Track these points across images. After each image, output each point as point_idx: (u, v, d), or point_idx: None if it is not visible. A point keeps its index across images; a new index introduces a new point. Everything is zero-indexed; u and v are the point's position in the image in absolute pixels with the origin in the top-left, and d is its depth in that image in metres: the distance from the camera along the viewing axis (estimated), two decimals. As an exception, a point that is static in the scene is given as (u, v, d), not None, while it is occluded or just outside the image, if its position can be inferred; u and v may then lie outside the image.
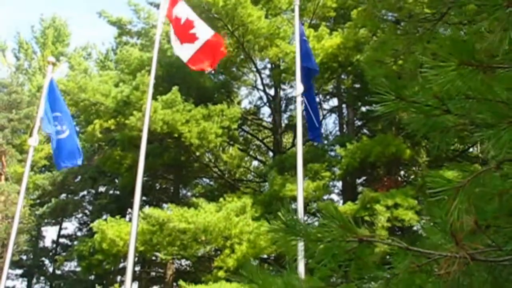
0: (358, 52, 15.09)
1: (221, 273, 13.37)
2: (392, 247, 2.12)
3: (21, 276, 26.66)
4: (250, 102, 26.84)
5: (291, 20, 15.85)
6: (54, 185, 24.04)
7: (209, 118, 16.12)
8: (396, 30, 7.92)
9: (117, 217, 15.72)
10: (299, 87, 9.48)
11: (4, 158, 21.90)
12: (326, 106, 21.71)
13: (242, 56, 17.97)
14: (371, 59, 8.34)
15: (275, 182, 14.96)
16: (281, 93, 20.57)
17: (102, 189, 25.60)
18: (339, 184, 18.97)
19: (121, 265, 19.51)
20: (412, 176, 17.99)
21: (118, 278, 21.86)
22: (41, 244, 27.37)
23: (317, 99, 17.68)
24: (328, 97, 21.16)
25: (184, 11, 10.80)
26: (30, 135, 14.01)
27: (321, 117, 16.42)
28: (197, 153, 17.37)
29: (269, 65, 19.88)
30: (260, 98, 21.78)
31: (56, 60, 23.57)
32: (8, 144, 21.89)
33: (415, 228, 13.82)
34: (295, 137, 15.33)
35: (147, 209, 14.97)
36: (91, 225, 15.98)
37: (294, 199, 11.35)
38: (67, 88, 16.69)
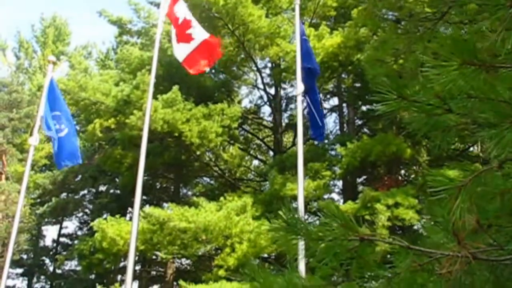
0: (358, 51, 15.09)
1: (221, 272, 13.38)
2: (393, 246, 2.13)
3: (22, 275, 26.69)
4: (250, 101, 26.89)
5: (291, 19, 15.84)
6: (55, 184, 24.05)
7: (209, 117, 16.12)
8: (397, 29, 7.92)
9: (117, 216, 15.74)
10: (300, 86, 9.48)
11: (4, 157, 21.91)
12: (326, 105, 21.72)
13: (242, 55, 17.97)
14: (371, 58, 8.34)
15: (276, 181, 14.96)
16: (282, 92, 20.58)
17: (102, 188, 25.61)
18: (340, 183, 18.99)
19: (121, 264, 19.53)
20: (413, 175, 18.00)
21: (119, 277, 21.86)
22: (41, 243, 27.39)
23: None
24: (328, 96, 21.16)
25: (182, 11, 10.81)
26: (31, 134, 14.00)
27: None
28: (198, 152, 17.38)
29: (269, 64, 19.89)
30: (261, 97, 21.80)
31: (57, 59, 23.58)
32: (8, 143, 21.89)
33: (415, 227, 13.83)
34: (295, 136, 15.33)
35: (148, 208, 14.97)
36: (92, 224, 15.99)
37: (294, 198, 11.35)
38: (68, 87, 16.69)
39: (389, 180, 15.39)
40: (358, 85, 18.61)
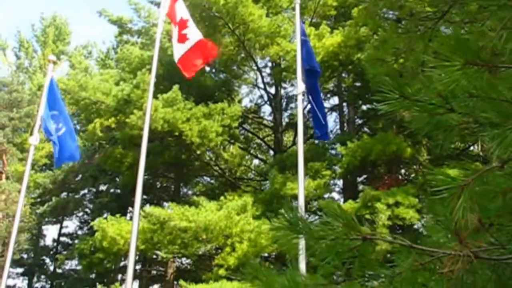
0: (359, 50, 15.08)
1: (221, 272, 13.38)
2: (394, 245, 2.13)
3: (22, 274, 26.72)
4: (250, 101, 26.84)
5: (292, 19, 15.84)
6: (55, 183, 24.06)
7: (209, 116, 16.12)
8: (397, 29, 7.92)
9: (118, 215, 15.74)
10: (300, 86, 9.48)
11: (5, 157, 21.92)
12: (327, 104, 21.67)
13: (242, 55, 17.97)
14: (372, 57, 8.33)
15: (276, 180, 14.97)
16: (282, 91, 20.57)
17: (103, 187, 25.63)
18: (340, 182, 18.99)
19: (121, 263, 19.55)
20: (413, 175, 17.99)
21: (119, 276, 21.89)
22: (41, 243, 27.41)
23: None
24: (328, 95, 21.15)
25: (180, 10, 10.83)
26: (31, 134, 14.00)
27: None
28: (198, 152, 17.39)
29: (269, 64, 19.89)
30: (261, 96, 21.81)
31: (57, 59, 23.60)
32: (8, 142, 21.90)
33: (415, 226, 13.83)
34: (295, 135, 15.34)
35: (148, 208, 14.97)
36: (92, 223, 15.99)
37: (295, 197, 11.35)
38: (68, 87, 16.70)
39: (390, 179, 15.40)
40: (358, 84, 18.60)
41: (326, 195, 16.38)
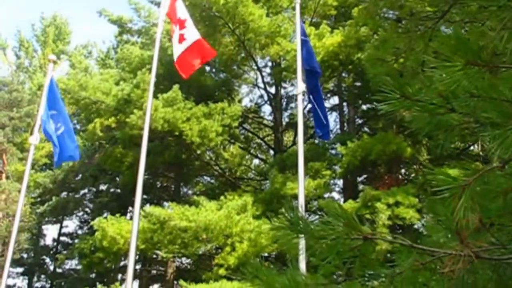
0: (359, 50, 15.08)
1: (221, 271, 13.38)
2: (394, 245, 2.13)
3: (22, 274, 26.73)
4: (251, 100, 26.83)
5: (292, 18, 15.84)
6: (55, 183, 24.07)
7: (209, 116, 16.12)
8: (398, 28, 7.91)
9: (118, 215, 15.74)
10: (300, 85, 9.48)
11: (5, 157, 21.92)
12: (327, 104, 21.65)
13: (243, 54, 17.97)
14: (372, 57, 8.32)
15: (276, 180, 14.97)
16: (282, 91, 20.57)
17: (103, 187, 25.63)
18: (340, 182, 18.99)
19: (122, 263, 19.56)
20: (413, 174, 17.99)
21: (119, 276, 21.90)
22: (41, 243, 27.42)
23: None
24: (329, 95, 21.15)
25: (179, 10, 10.84)
26: (31, 133, 14.01)
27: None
28: (198, 151, 17.39)
29: (270, 63, 19.89)
30: (261, 96, 21.81)
31: (57, 58, 23.59)
32: (9, 142, 21.91)
33: (415, 226, 13.83)
34: (296, 135, 15.34)
35: (148, 208, 14.97)
36: (92, 223, 15.99)
37: (295, 197, 11.35)
38: (68, 87, 16.69)
39: (390, 179, 15.39)
40: (358, 84, 18.60)
41: (326, 195, 16.38)
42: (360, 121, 20.47)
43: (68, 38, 32.20)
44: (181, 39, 10.51)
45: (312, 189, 14.51)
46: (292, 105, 21.20)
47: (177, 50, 10.45)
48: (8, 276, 11.54)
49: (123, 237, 14.27)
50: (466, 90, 1.78)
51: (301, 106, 9.55)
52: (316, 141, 17.45)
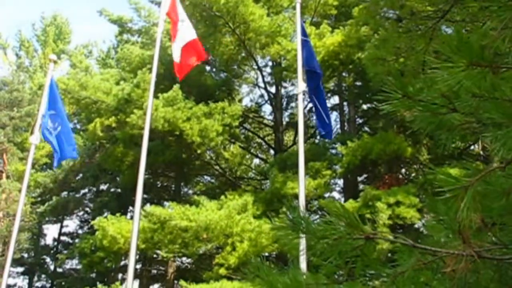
0: (359, 50, 15.05)
1: (222, 271, 13.38)
2: (396, 244, 2.13)
3: (22, 274, 26.73)
4: (251, 100, 26.78)
5: (292, 18, 15.83)
6: (55, 183, 24.07)
7: (210, 115, 16.12)
8: (398, 28, 7.92)
9: (118, 214, 15.74)
10: (301, 85, 9.48)
11: (5, 156, 21.93)
12: (327, 103, 21.67)
13: (243, 54, 17.96)
14: (372, 57, 8.33)
15: (276, 180, 14.96)
16: (282, 90, 20.57)
17: (103, 187, 25.62)
18: (340, 182, 18.99)
19: (122, 263, 19.54)
20: (414, 174, 17.99)
21: (120, 275, 21.91)
22: (42, 242, 27.41)
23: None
24: (329, 94, 21.13)
25: (178, 10, 10.88)
26: (31, 133, 14.01)
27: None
28: (198, 151, 17.37)
29: (270, 63, 19.88)
30: (261, 96, 21.80)
31: (57, 58, 23.59)
32: (9, 142, 21.92)
33: (416, 225, 13.83)
34: (296, 134, 15.34)
35: (149, 207, 14.98)
36: (92, 222, 15.99)
37: (295, 197, 11.34)
38: (68, 86, 16.68)
39: (390, 179, 15.39)
40: (359, 83, 18.59)
41: (326, 195, 16.39)
42: (360, 121, 20.47)
43: (69, 37, 32.20)
44: (180, 38, 10.56)
45: (312, 189, 14.51)
46: (293, 104, 21.19)
47: (176, 50, 10.49)
48: (9, 276, 11.54)
49: (123, 236, 14.27)
50: (468, 91, 1.77)
51: (301, 106, 9.55)
52: (317, 141, 17.44)
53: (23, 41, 31.52)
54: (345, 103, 20.63)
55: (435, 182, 1.88)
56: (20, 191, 12.33)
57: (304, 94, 9.75)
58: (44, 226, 27.17)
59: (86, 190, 26.07)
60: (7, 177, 21.71)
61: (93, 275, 21.95)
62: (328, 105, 21.45)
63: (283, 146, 19.43)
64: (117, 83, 17.71)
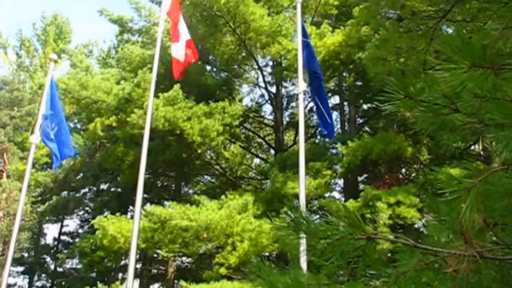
0: (360, 49, 15.04)
1: (222, 271, 13.38)
2: (396, 244, 2.12)
3: (23, 273, 26.74)
4: (251, 100, 26.79)
5: (293, 18, 15.83)
6: (56, 182, 24.07)
7: (210, 115, 16.12)
8: (399, 28, 7.91)
9: (118, 214, 15.74)
10: (301, 85, 9.48)
11: (6, 156, 21.93)
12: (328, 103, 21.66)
13: (243, 54, 17.96)
14: (373, 56, 8.33)
15: (277, 179, 14.96)
16: (283, 90, 20.57)
17: (103, 186, 25.63)
18: (341, 181, 18.99)
19: (122, 262, 19.55)
20: (414, 174, 17.99)
21: (120, 275, 21.92)
22: (42, 242, 27.43)
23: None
24: (329, 94, 21.13)
25: (177, 10, 10.96)
26: (32, 133, 14.02)
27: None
28: (199, 151, 17.37)
29: (270, 63, 19.87)
30: (262, 95, 21.82)
31: (58, 58, 23.57)
32: (9, 141, 21.93)
33: (416, 225, 13.82)
34: (296, 134, 15.34)
35: (149, 207, 14.98)
36: (93, 222, 15.99)
37: (296, 196, 11.35)
38: (69, 86, 16.68)
39: (390, 179, 15.39)
40: (359, 83, 18.59)
41: (327, 194, 16.39)
42: (361, 121, 20.47)
43: (69, 37, 32.21)
44: (178, 38, 10.64)
45: (313, 189, 14.51)
46: (293, 104, 21.19)
47: (180, 49, 10.55)
48: (9, 275, 11.54)
49: (123, 236, 14.27)
50: (470, 91, 1.77)
51: (302, 106, 9.55)
52: (317, 141, 17.43)
53: (24, 40, 31.53)
54: (345, 103, 20.64)
55: (435, 182, 1.88)
56: (20, 190, 12.33)
57: (304, 94, 9.76)
58: (45, 226, 27.21)
59: (87, 189, 26.08)
60: (8, 176, 21.72)
61: (94, 274, 21.97)
62: (329, 105, 21.51)
63: (284, 146, 19.42)
64: (118, 83, 17.71)
